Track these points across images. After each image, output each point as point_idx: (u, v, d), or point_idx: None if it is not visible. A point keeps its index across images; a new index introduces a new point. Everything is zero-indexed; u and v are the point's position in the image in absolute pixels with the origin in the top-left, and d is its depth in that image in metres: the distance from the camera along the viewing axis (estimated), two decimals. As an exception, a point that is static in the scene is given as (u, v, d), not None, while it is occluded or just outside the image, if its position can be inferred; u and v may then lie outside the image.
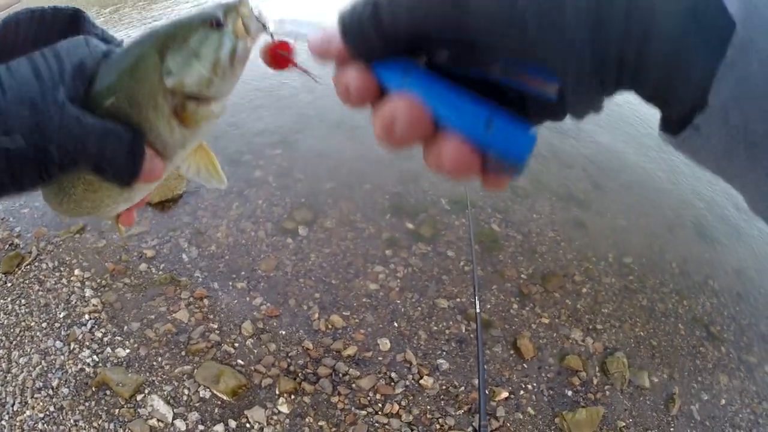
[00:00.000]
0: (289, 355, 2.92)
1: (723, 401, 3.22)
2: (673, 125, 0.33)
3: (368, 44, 0.35)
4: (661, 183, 4.88)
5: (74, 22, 0.51)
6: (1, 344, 2.95)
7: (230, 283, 3.32)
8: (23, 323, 3.06)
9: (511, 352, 3.10)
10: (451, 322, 3.19)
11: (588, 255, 3.87)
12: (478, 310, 2.18)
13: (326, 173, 4.30)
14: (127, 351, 2.90)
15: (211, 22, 0.50)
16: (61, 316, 3.10)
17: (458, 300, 3.32)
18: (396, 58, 0.35)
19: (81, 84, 0.46)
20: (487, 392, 2.87)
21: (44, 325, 3.05)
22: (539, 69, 0.32)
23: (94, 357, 2.87)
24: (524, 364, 3.05)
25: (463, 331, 3.15)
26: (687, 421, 3.04)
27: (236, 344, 2.96)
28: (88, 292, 3.27)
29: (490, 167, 0.33)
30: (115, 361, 2.85)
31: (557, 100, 0.33)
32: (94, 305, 3.18)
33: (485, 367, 2.98)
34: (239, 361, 2.87)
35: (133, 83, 0.48)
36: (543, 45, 0.30)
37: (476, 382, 2.89)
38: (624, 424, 2.90)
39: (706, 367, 3.40)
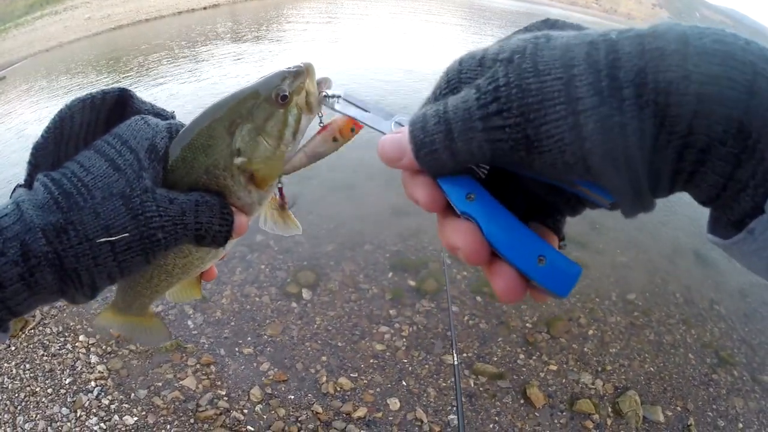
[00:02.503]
0: (299, 419, 2.92)
1: (740, 425, 3.18)
2: (724, 228, 0.34)
3: (439, 165, 0.37)
4: (657, 215, 4.91)
5: (122, 100, 0.52)
6: (6, 409, 2.94)
7: (237, 349, 3.34)
8: (28, 388, 3.06)
9: (522, 401, 3.09)
10: (454, 378, 3.19)
11: (591, 296, 3.88)
12: (456, 362, 2.21)
13: (326, 235, 4.36)
14: (135, 419, 2.90)
15: (277, 98, 0.52)
16: (67, 382, 3.10)
17: (465, 355, 3.33)
18: (460, 173, 0.38)
19: (158, 165, 0.49)
20: (499, 445, 2.86)
21: (50, 390, 3.05)
22: (597, 187, 0.35)
23: (102, 425, 2.86)
24: (536, 413, 3.04)
25: (472, 385, 3.15)
26: (706, 451, 3.00)
27: (245, 410, 2.97)
28: (93, 359, 3.28)
29: (537, 289, 0.37)
30: (123, 429, 2.84)
31: (611, 206, 0.36)
32: (100, 372, 3.18)
33: (496, 418, 2.98)
34: (249, 428, 2.86)
35: (209, 160, 0.51)
36: (605, 176, 0.32)
37: (488, 435, 2.89)
38: (642, 462, 2.88)
39: (720, 393, 3.36)
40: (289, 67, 0.54)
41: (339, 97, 0.52)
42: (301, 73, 0.54)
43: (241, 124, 0.52)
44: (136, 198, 0.46)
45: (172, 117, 0.56)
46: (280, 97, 0.52)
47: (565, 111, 0.31)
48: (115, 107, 0.52)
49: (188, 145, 0.51)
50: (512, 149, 0.33)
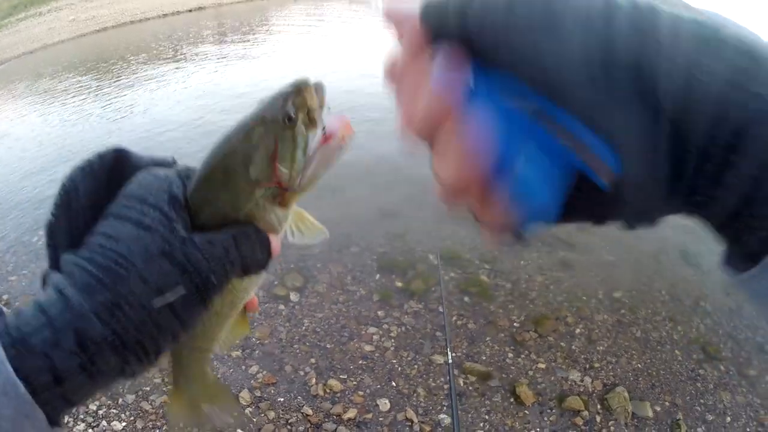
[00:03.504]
0: (289, 422, 2.92)
1: (728, 419, 3.20)
2: (739, 260, 0.30)
3: (445, 33, 0.31)
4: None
5: (119, 159, 0.51)
6: None
7: (225, 353, 3.33)
8: (14, 396, 3.04)
9: (511, 400, 3.11)
10: (449, 377, 3.20)
11: (578, 295, 3.91)
12: (450, 361, 2.22)
13: (313, 237, 4.35)
14: (123, 424, 2.88)
15: (284, 120, 0.52)
16: (54, 390, 3.09)
17: (455, 354, 3.34)
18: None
19: (184, 212, 0.48)
20: (489, 444, 2.88)
21: (37, 397, 3.04)
22: (599, 140, 0.28)
23: (90, 431, 2.85)
24: (526, 411, 3.05)
25: (462, 384, 3.16)
26: (696, 445, 3.02)
27: (235, 414, 2.96)
28: (80, 365, 3.27)
29: (494, 208, 0.31)
30: (112, 435, 2.82)
31: (610, 194, 0.29)
32: (87, 378, 3.17)
33: (486, 417, 3.00)
34: (239, 431, 2.86)
35: (231, 196, 0.51)
36: (606, 109, 0.27)
37: (478, 434, 2.90)
38: (632, 458, 2.90)
39: (707, 388, 3.39)
40: (288, 86, 0.53)
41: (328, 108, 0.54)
42: (301, 89, 0.53)
43: (252, 155, 0.52)
44: (178, 251, 0.45)
45: (174, 162, 0.55)
46: (288, 119, 0.52)
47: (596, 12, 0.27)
48: (114, 167, 0.51)
49: (206, 185, 0.51)
50: (529, 41, 0.28)
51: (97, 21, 17.55)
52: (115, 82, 9.87)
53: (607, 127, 0.27)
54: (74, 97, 9.11)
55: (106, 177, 0.50)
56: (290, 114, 0.52)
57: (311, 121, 0.54)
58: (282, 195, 0.54)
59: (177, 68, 10.51)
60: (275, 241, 0.54)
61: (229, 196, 0.51)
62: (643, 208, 0.30)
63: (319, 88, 0.54)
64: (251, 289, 0.60)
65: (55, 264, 0.46)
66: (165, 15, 18.21)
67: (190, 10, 18.90)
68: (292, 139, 0.53)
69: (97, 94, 9.09)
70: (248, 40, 12.90)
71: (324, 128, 0.55)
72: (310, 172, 0.55)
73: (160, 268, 0.43)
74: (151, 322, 0.43)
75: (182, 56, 11.63)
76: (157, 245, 0.44)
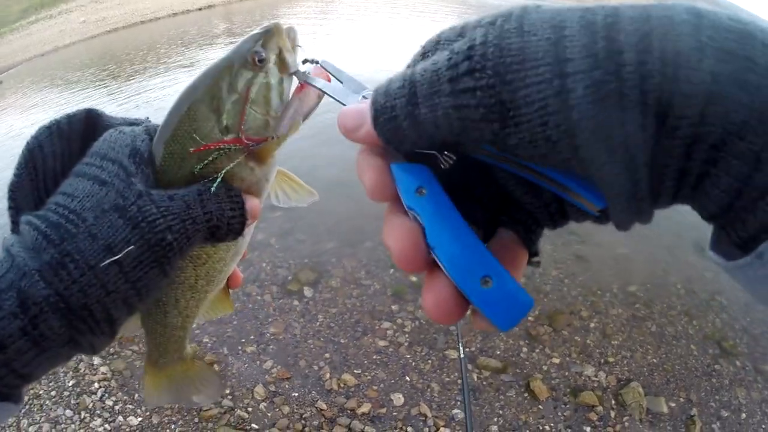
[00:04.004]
0: (304, 416, 2.93)
1: (744, 415, 3.18)
2: (729, 248, 0.29)
3: (399, 136, 0.32)
4: (657, 206, 4.92)
5: (91, 121, 0.49)
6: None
7: (239, 348, 3.35)
8: (31, 392, 3.06)
9: (525, 395, 3.10)
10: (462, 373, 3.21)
11: (593, 289, 3.88)
12: (462, 356, 2.21)
13: (327, 232, 4.37)
14: (140, 419, 2.91)
15: (254, 60, 0.49)
16: (70, 384, 3.11)
17: (468, 349, 3.33)
18: (421, 155, 0.33)
19: (146, 167, 0.45)
20: (504, 438, 2.87)
21: (53, 393, 3.06)
22: (585, 185, 0.30)
23: (106, 426, 2.88)
24: (540, 406, 3.04)
25: (476, 379, 3.16)
26: (710, 441, 3.00)
27: (249, 409, 2.97)
28: (96, 360, 3.28)
29: (477, 315, 0.32)
30: (128, 430, 2.86)
31: (600, 215, 0.31)
32: (103, 373, 3.19)
33: (500, 412, 2.99)
34: (254, 426, 2.87)
35: (199, 145, 0.47)
36: (595, 160, 0.26)
37: (494, 428, 2.89)
38: (646, 454, 2.88)
39: (722, 384, 3.36)
40: (257, 30, 0.51)
41: (317, 62, 0.49)
42: (270, 31, 0.50)
43: (223, 99, 0.48)
44: (132, 206, 0.41)
45: (146, 120, 0.52)
46: (257, 60, 0.49)
47: (550, 73, 0.26)
48: (86, 131, 0.48)
49: (172, 137, 0.47)
50: (484, 118, 0.28)
51: (108, 22, 17.66)
52: (126, 82, 9.93)
53: (601, 184, 0.28)
54: (85, 97, 9.19)
55: (79, 139, 0.47)
56: (260, 54, 0.49)
57: (283, 64, 0.50)
58: (257, 148, 0.50)
59: (188, 69, 10.57)
60: (252, 202, 0.50)
61: (195, 147, 0.47)
62: (633, 219, 0.30)
63: (290, 31, 0.52)
64: (229, 260, 0.55)
65: (15, 229, 0.44)
66: (175, 14, 18.29)
67: (200, 9, 18.97)
68: (265, 81, 0.49)
69: (108, 95, 9.16)
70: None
71: (301, 74, 0.51)
72: (287, 118, 0.50)
73: (109, 224, 0.40)
74: (98, 284, 0.40)
75: (194, 55, 11.68)
76: (110, 200, 0.41)
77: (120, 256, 0.40)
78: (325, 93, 0.47)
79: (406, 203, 0.32)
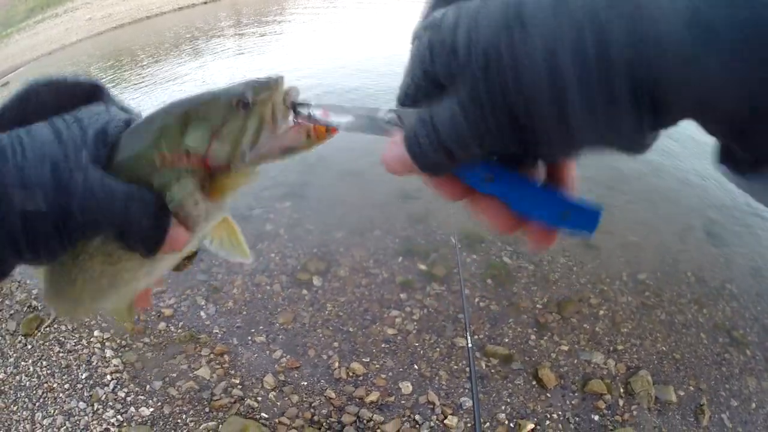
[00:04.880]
0: (313, 405, 2.95)
1: (754, 405, 3.17)
2: (738, 162, 0.29)
3: (445, 171, 0.38)
4: (667, 193, 4.87)
5: (94, 94, 0.50)
6: (25, 406, 3.01)
7: (249, 338, 3.37)
8: (45, 384, 3.12)
9: (533, 383, 3.10)
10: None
11: (602, 276, 3.86)
12: (469, 345, 2.21)
13: (336, 222, 4.38)
14: (151, 410, 2.95)
15: (238, 102, 0.49)
16: (83, 377, 3.16)
17: (476, 337, 3.33)
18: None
19: (103, 148, 0.45)
20: (513, 425, 2.87)
21: (67, 386, 3.11)
22: (579, 215, 0.38)
23: (119, 417, 2.92)
24: (548, 394, 3.04)
25: (484, 367, 3.16)
26: (719, 430, 3.00)
27: (259, 398, 3.00)
28: (108, 353, 3.33)
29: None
30: (140, 421, 2.90)
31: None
32: (115, 365, 3.24)
33: (508, 400, 2.99)
34: (263, 415, 2.90)
35: (156, 156, 0.47)
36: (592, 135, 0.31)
37: (501, 416, 2.90)
38: (655, 442, 2.88)
39: (732, 373, 3.35)
40: (259, 78, 0.51)
41: (309, 105, 0.49)
42: (270, 85, 0.50)
43: (195, 122, 0.48)
44: (66, 170, 0.42)
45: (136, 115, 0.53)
46: (242, 104, 0.49)
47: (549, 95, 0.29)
48: (89, 100, 0.49)
49: (138, 136, 0.48)
50: (508, 143, 0.33)
51: (114, 18, 17.72)
52: (133, 78, 9.97)
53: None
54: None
55: (78, 101, 0.49)
56: (246, 100, 0.49)
57: (272, 119, 0.50)
58: (212, 179, 0.49)
59: (197, 61, 10.58)
60: (179, 234, 0.48)
61: (154, 154, 0.48)
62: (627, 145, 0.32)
63: (291, 90, 0.51)
64: (140, 277, 0.54)
65: None
66: (181, 8, 18.32)
67: (206, 2, 18.98)
68: (242, 124, 0.49)
69: (117, 92, 9.19)
70: (265, 33, 12.91)
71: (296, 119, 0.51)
72: (253, 151, 0.50)
73: (39, 170, 0.41)
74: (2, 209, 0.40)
75: (201, 49, 11.69)
76: (54, 154, 0.42)
77: (27, 201, 0.41)
78: (339, 129, 0.48)
79: (484, 191, 0.39)
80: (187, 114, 0.49)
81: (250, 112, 0.49)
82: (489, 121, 0.32)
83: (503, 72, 0.30)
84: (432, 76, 0.35)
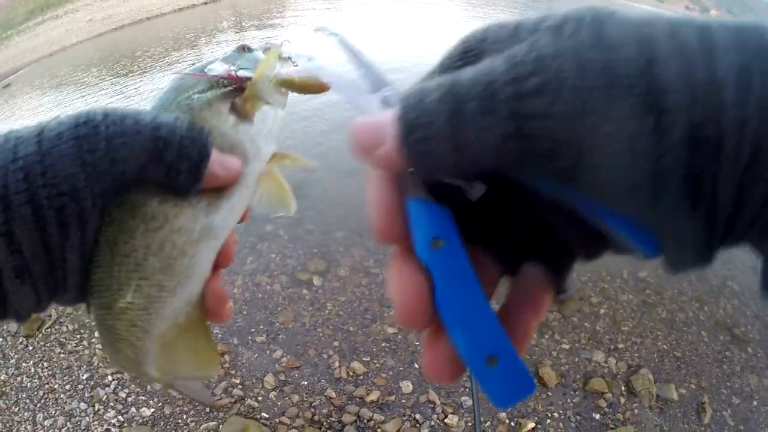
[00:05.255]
0: (313, 404, 2.95)
1: (755, 402, 3.16)
2: None
3: (430, 163, 0.25)
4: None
5: None
6: (26, 407, 3.00)
7: (249, 338, 3.37)
8: (47, 386, 3.11)
9: (534, 381, 3.10)
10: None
11: (602, 275, 3.86)
12: None
13: (336, 222, 4.38)
14: (152, 410, 2.95)
15: (243, 49, 0.53)
16: (84, 377, 3.15)
17: (476, 335, 3.33)
18: (441, 190, 0.28)
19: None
20: (513, 425, 2.87)
21: (68, 387, 3.10)
22: (637, 234, 0.25)
23: (119, 417, 2.91)
24: (548, 393, 3.04)
25: (484, 365, 3.16)
26: (721, 429, 2.99)
27: (260, 398, 3.00)
28: (110, 352, 3.33)
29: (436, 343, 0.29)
30: (141, 421, 2.89)
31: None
32: (116, 366, 3.24)
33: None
34: (264, 414, 2.90)
35: (183, 94, 0.47)
36: (674, 217, 0.23)
37: (502, 415, 2.89)
38: (657, 440, 2.87)
39: (734, 370, 3.35)
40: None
41: (335, 35, 0.41)
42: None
43: (213, 67, 0.51)
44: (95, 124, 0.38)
45: None
46: (246, 47, 0.54)
47: (642, 105, 0.21)
48: None
49: (164, 96, 0.48)
50: (552, 152, 0.22)
51: (114, 19, 17.71)
52: (136, 79, 9.97)
53: (655, 228, 0.24)
54: (95, 96, 9.24)
55: None
56: (249, 45, 0.54)
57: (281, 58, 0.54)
58: (240, 97, 0.48)
59: (197, 62, 10.58)
60: (232, 161, 0.45)
61: (184, 94, 0.47)
62: (693, 266, 0.26)
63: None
64: (196, 236, 0.44)
65: None
66: (181, 9, 18.30)
67: (206, 2, 18.97)
68: (253, 56, 0.53)
69: (119, 93, 9.20)
70: (268, 37, 12.93)
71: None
72: (279, 77, 0.50)
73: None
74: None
75: (202, 49, 11.71)
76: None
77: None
78: (328, 86, 0.42)
79: (420, 254, 0.28)
80: (201, 69, 0.51)
81: (254, 51, 0.54)
82: (546, 71, 0.22)
83: (581, 27, 0.23)
84: (474, 53, 0.26)
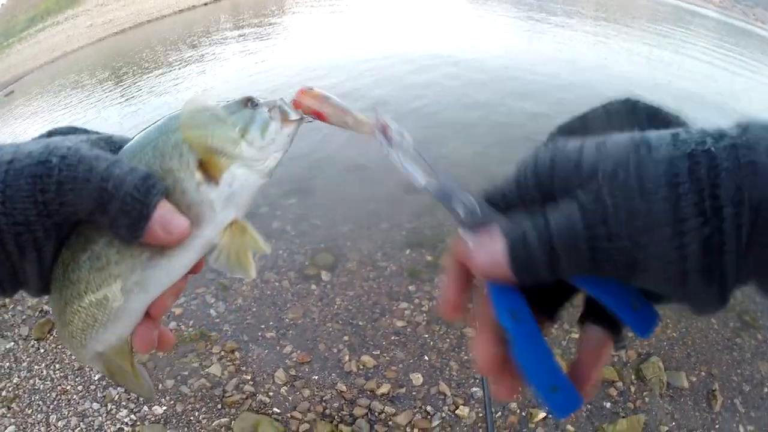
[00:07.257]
0: (324, 399, 2.96)
1: (766, 389, 3.16)
2: None
3: (536, 281, 0.36)
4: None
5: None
6: (39, 409, 3.01)
7: (259, 334, 3.38)
8: (59, 387, 3.12)
9: (582, 398, 3.09)
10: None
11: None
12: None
13: (342, 216, 4.39)
14: (164, 408, 2.96)
15: (246, 102, 0.49)
16: (96, 378, 3.16)
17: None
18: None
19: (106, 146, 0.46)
20: (524, 414, 2.87)
21: (80, 387, 3.11)
22: (634, 319, 0.39)
23: (132, 416, 2.93)
24: (559, 382, 3.04)
25: (494, 356, 3.16)
26: (732, 416, 2.99)
27: (271, 393, 3.01)
28: (121, 352, 3.34)
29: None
30: (153, 419, 2.90)
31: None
32: (127, 365, 3.25)
33: (519, 388, 2.99)
34: (275, 410, 2.91)
35: (163, 136, 0.46)
36: (696, 290, 0.32)
37: (513, 405, 2.90)
38: (667, 428, 2.86)
39: (744, 357, 3.34)
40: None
41: (402, 132, 0.46)
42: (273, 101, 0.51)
43: (203, 113, 0.48)
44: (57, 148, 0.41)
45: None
46: (251, 102, 0.50)
47: (671, 232, 0.31)
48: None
49: (143, 135, 0.47)
50: (614, 267, 0.34)
51: (115, 24, 17.77)
52: (138, 82, 10.00)
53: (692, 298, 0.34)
54: (98, 100, 9.28)
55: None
56: (255, 99, 0.50)
57: (284, 116, 0.51)
58: (212, 161, 0.46)
59: (200, 64, 10.60)
60: (176, 217, 0.44)
61: (160, 142, 0.46)
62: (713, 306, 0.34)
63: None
64: (130, 285, 0.45)
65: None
66: (181, 11, 18.35)
67: (206, 4, 19.01)
68: (249, 116, 0.49)
69: (121, 96, 9.23)
70: (267, 35, 12.93)
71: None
72: (267, 147, 0.49)
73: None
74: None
75: (203, 52, 11.71)
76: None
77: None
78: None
79: (504, 324, 0.38)
80: (194, 112, 0.47)
81: (258, 108, 0.50)
82: (609, 221, 0.32)
83: (628, 178, 0.32)
84: (546, 185, 0.36)
